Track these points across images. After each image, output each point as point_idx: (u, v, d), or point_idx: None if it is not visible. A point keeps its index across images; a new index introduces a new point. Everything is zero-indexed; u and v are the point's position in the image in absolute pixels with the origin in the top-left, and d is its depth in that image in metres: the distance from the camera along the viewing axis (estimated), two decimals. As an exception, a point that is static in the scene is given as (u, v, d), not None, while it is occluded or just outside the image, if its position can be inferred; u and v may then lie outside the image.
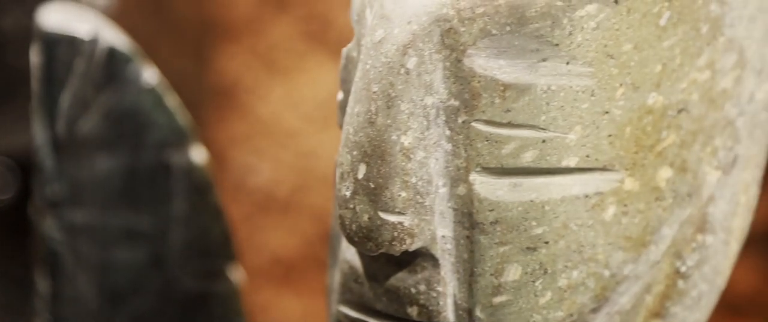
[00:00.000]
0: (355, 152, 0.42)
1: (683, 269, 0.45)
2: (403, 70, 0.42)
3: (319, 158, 1.13)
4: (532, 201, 0.42)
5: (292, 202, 1.14)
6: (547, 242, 0.43)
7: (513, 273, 0.43)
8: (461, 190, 0.43)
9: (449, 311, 0.43)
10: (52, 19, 0.62)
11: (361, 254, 0.45)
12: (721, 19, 0.44)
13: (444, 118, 0.42)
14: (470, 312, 0.43)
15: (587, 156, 0.43)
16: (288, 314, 1.15)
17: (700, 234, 0.46)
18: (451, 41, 0.42)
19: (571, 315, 0.43)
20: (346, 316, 0.45)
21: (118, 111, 0.63)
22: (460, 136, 0.42)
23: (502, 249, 0.43)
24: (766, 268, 1.00)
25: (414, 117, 0.42)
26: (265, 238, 1.15)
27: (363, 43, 0.43)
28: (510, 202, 0.42)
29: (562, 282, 0.43)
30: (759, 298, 1.00)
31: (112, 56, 0.62)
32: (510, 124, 0.42)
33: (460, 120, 0.42)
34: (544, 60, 0.42)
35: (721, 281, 0.47)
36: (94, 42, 0.62)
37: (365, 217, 0.42)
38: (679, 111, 0.44)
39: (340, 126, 0.45)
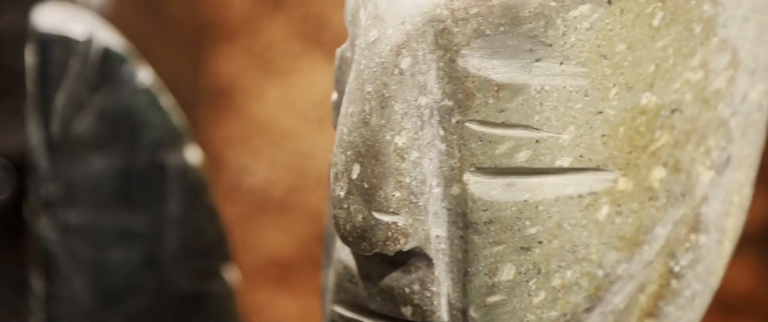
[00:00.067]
0: (349, 152, 0.42)
1: (677, 268, 0.45)
2: (396, 71, 0.42)
3: (315, 159, 1.13)
4: (525, 201, 0.42)
5: (288, 202, 1.15)
6: (540, 242, 0.43)
7: (507, 273, 0.43)
8: (455, 190, 0.43)
9: (443, 311, 0.43)
10: (47, 19, 0.62)
11: (356, 254, 0.45)
12: (714, 20, 0.44)
13: (438, 119, 0.43)
14: (464, 312, 0.43)
15: (581, 156, 0.43)
16: (283, 315, 1.15)
17: (694, 234, 0.46)
18: (444, 41, 0.42)
19: (565, 315, 0.43)
20: (341, 316, 0.45)
21: (113, 111, 0.63)
22: (454, 137, 0.42)
23: (496, 249, 0.43)
24: (760, 268, 1.00)
25: (408, 117, 0.42)
26: (260, 238, 1.15)
27: (357, 43, 0.43)
28: (504, 202, 0.42)
29: (556, 282, 0.43)
30: (754, 298, 1.01)
31: (107, 57, 0.62)
32: (504, 125, 0.42)
33: (453, 120, 0.42)
34: (537, 60, 0.42)
35: (714, 281, 0.47)
36: (88, 42, 0.62)
37: (359, 217, 0.42)
38: (673, 111, 0.44)
39: (335, 126, 0.45)
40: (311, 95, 1.13)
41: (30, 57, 0.63)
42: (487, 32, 0.42)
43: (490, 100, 0.42)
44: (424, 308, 0.43)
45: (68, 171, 0.63)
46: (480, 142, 0.42)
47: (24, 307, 0.67)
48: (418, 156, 0.42)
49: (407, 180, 0.42)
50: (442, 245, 0.43)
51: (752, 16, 0.46)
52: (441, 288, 0.43)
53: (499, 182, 0.42)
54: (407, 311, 0.43)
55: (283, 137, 1.14)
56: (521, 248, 0.43)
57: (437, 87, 0.42)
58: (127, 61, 0.63)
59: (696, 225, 0.46)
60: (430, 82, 0.42)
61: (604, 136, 0.43)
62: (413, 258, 0.43)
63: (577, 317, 0.44)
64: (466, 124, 0.42)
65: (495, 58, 0.42)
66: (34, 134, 0.63)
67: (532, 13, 0.41)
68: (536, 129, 0.42)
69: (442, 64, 0.42)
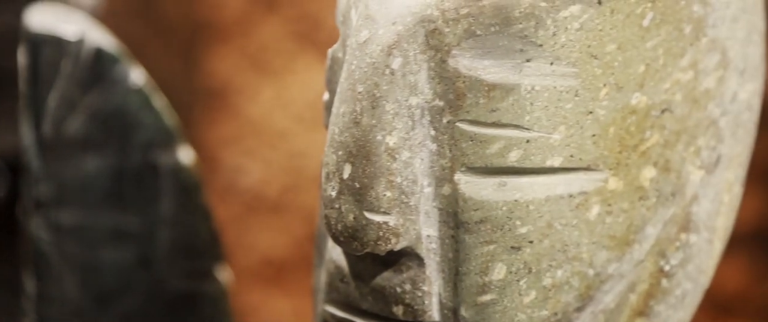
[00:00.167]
0: (340, 152, 0.42)
1: (667, 267, 0.45)
2: (387, 71, 0.42)
3: (309, 159, 1.13)
4: (516, 201, 0.42)
5: (282, 202, 1.15)
6: (531, 242, 0.43)
7: (498, 272, 0.43)
8: (446, 189, 0.43)
9: (434, 310, 0.43)
10: (38, 20, 0.62)
11: (347, 254, 0.45)
12: (704, 20, 0.44)
13: (429, 119, 0.43)
14: (455, 311, 0.43)
15: (571, 156, 0.43)
16: (278, 315, 1.15)
17: (684, 233, 0.46)
18: (435, 42, 0.42)
19: (556, 314, 0.44)
20: (332, 315, 0.46)
21: (105, 111, 0.63)
22: (445, 137, 0.43)
23: (487, 248, 0.43)
24: (753, 267, 1.00)
25: (399, 117, 0.42)
26: (255, 238, 1.15)
27: (348, 43, 0.44)
28: (495, 201, 0.42)
29: (547, 281, 0.43)
30: (746, 297, 1.01)
31: (99, 57, 0.62)
32: (495, 124, 0.42)
33: (444, 120, 0.42)
34: (528, 60, 0.42)
35: (704, 280, 0.48)
36: (80, 43, 0.62)
37: (350, 217, 0.42)
38: (663, 111, 0.44)
39: (326, 126, 0.45)
40: (306, 95, 1.13)
41: (22, 57, 0.63)
42: (478, 32, 0.42)
43: (482, 100, 0.42)
44: (416, 307, 0.43)
45: (60, 171, 0.63)
46: (471, 142, 0.42)
47: (17, 307, 0.67)
48: (409, 156, 0.43)
49: (398, 180, 0.42)
50: (433, 245, 0.43)
51: (741, 17, 0.46)
52: (432, 288, 0.43)
53: (491, 181, 0.42)
54: (398, 310, 0.43)
55: (278, 137, 1.14)
56: (512, 247, 0.43)
57: (428, 87, 0.42)
58: (119, 62, 0.63)
59: (686, 224, 0.46)
60: (421, 82, 0.42)
61: (594, 136, 0.43)
62: (404, 258, 0.43)
63: (567, 316, 0.44)
64: (457, 124, 0.42)
65: (486, 58, 0.42)
66: (26, 135, 0.63)
67: (523, 14, 0.42)
68: (527, 129, 0.42)
69: (432, 64, 0.42)
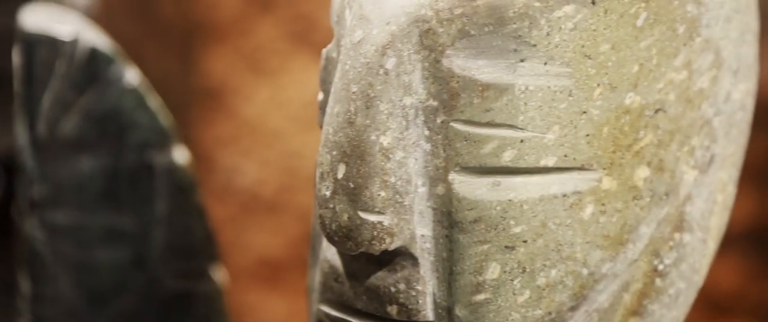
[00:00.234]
0: (334, 152, 0.42)
1: (661, 267, 0.46)
2: (382, 71, 0.42)
3: (305, 159, 1.13)
4: (510, 200, 0.43)
5: (278, 202, 1.15)
6: (525, 241, 0.43)
7: (492, 272, 0.43)
8: (440, 189, 0.43)
9: (429, 310, 0.43)
10: (33, 20, 0.62)
11: (341, 254, 0.45)
12: (698, 20, 0.44)
13: (423, 119, 0.43)
14: (450, 310, 0.43)
15: (565, 156, 0.43)
16: (274, 315, 1.15)
17: (678, 233, 0.46)
18: (429, 42, 0.42)
19: (550, 313, 0.44)
20: (327, 315, 0.46)
21: (100, 112, 0.63)
22: (439, 136, 0.43)
23: (481, 248, 0.43)
24: (748, 267, 1.00)
25: (393, 117, 0.42)
26: (250, 238, 1.15)
27: (342, 43, 0.44)
28: (489, 201, 0.42)
29: (541, 281, 0.43)
30: (740, 297, 1.01)
31: (94, 57, 0.62)
32: (489, 124, 0.42)
33: (438, 120, 0.43)
34: (522, 60, 0.42)
35: (698, 279, 0.48)
36: (74, 43, 0.62)
37: (345, 216, 0.42)
38: (656, 111, 0.44)
39: (321, 126, 0.45)
40: (301, 96, 1.13)
41: (16, 58, 0.63)
42: (472, 32, 0.42)
43: (476, 100, 0.42)
44: (410, 306, 0.43)
45: (55, 171, 0.63)
46: (465, 142, 0.42)
47: (12, 307, 0.67)
48: (404, 156, 0.43)
49: (392, 180, 0.42)
50: (428, 245, 0.43)
51: (735, 17, 0.46)
52: (426, 287, 0.43)
53: (485, 181, 0.43)
54: (393, 310, 0.43)
55: (274, 137, 1.14)
56: (506, 247, 0.43)
57: (422, 87, 0.43)
58: (113, 62, 0.63)
59: (680, 224, 0.46)
60: (415, 82, 0.42)
61: (588, 135, 0.43)
62: (399, 257, 0.43)
63: (561, 315, 0.44)
64: (451, 124, 0.42)
65: (480, 58, 0.42)
66: (21, 135, 0.63)
67: (517, 14, 0.42)
68: (521, 129, 0.42)
69: (426, 64, 0.42)
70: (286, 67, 1.14)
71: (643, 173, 0.44)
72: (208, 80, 1.16)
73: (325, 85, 0.46)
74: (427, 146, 0.43)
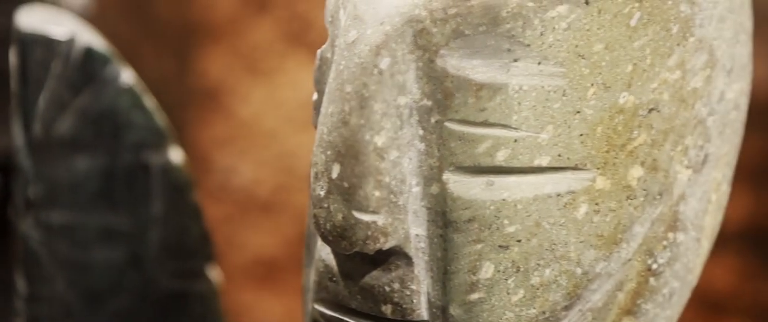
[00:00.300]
0: (328, 152, 0.43)
1: (655, 266, 0.46)
2: (376, 71, 0.42)
3: (301, 159, 1.13)
4: (504, 200, 0.43)
5: (274, 202, 1.15)
6: (519, 241, 0.43)
7: (486, 271, 0.43)
8: (434, 189, 0.43)
9: (423, 309, 0.43)
10: (29, 20, 0.62)
11: (336, 253, 0.45)
12: (691, 20, 0.44)
13: (417, 118, 0.43)
14: (444, 310, 0.43)
15: (559, 155, 0.43)
16: (269, 314, 1.15)
17: (672, 232, 0.46)
18: (423, 42, 0.42)
19: (544, 313, 0.44)
20: (322, 314, 0.46)
21: (96, 112, 0.63)
22: (433, 136, 0.43)
23: (475, 247, 0.43)
24: (742, 266, 1.01)
25: (387, 117, 0.42)
26: (246, 238, 1.15)
27: (337, 44, 0.44)
28: (483, 200, 0.43)
29: (535, 280, 0.43)
30: (736, 296, 1.01)
31: (89, 57, 0.62)
32: (484, 124, 0.42)
33: (433, 120, 0.43)
34: (516, 60, 0.42)
35: (692, 278, 0.48)
36: (70, 43, 0.62)
37: (339, 216, 0.42)
38: (650, 110, 0.44)
39: (315, 126, 0.45)
40: (297, 96, 1.13)
41: (13, 58, 0.63)
42: (467, 32, 0.42)
43: (470, 100, 0.42)
44: (404, 306, 0.43)
45: (51, 171, 0.63)
46: (460, 142, 0.42)
47: (9, 307, 0.67)
48: (398, 155, 0.43)
49: (387, 179, 0.42)
50: (422, 244, 0.43)
51: (728, 17, 0.46)
52: (421, 286, 0.43)
53: (479, 180, 0.43)
54: (387, 309, 0.44)
55: (269, 137, 1.14)
56: (500, 246, 0.43)
57: (416, 87, 0.43)
58: (109, 62, 0.63)
59: (674, 223, 0.46)
60: (409, 82, 0.43)
61: (582, 135, 0.43)
62: (393, 257, 0.43)
63: (555, 314, 0.44)
64: (446, 123, 0.42)
65: (474, 58, 0.42)
66: (18, 135, 0.63)
67: (511, 14, 0.42)
68: (515, 128, 0.42)
69: (421, 64, 0.42)
70: (283, 67, 1.14)
71: (636, 172, 0.44)
72: (204, 80, 1.16)
73: (320, 85, 0.46)
74: (422, 146, 0.43)
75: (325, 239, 0.43)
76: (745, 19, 0.48)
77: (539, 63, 0.42)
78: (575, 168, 0.43)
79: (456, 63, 0.42)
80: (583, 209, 0.43)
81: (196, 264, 0.65)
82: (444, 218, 0.43)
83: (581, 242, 0.44)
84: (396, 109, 0.42)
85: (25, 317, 0.64)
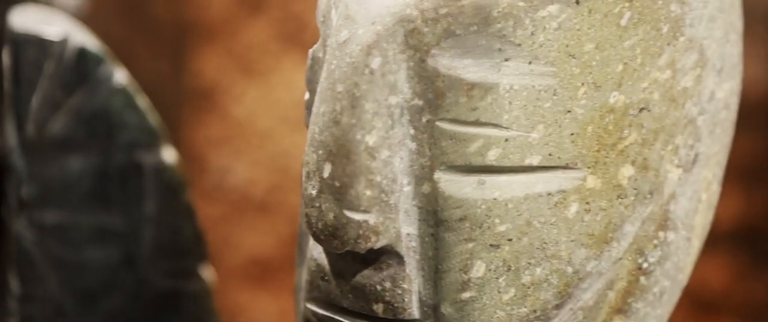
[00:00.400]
0: (320, 151, 0.43)
1: (645, 265, 0.46)
2: (367, 70, 0.42)
3: (295, 159, 1.13)
4: (495, 199, 0.43)
5: (269, 202, 1.15)
6: (510, 240, 0.43)
7: (477, 270, 0.43)
8: (426, 188, 0.43)
9: (414, 308, 0.44)
10: (22, 20, 0.62)
11: (328, 252, 0.45)
12: (682, 19, 0.45)
13: (408, 118, 0.43)
14: (435, 308, 0.43)
15: (550, 154, 0.43)
16: (264, 314, 1.15)
17: (662, 231, 0.46)
18: (414, 41, 0.42)
19: (535, 311, 0.44)
20: (314, 313, 0.46)
21: (89, 112, 0.63)
22: (425, 136, 0.43)
23: (467, 246, 0.43)
24: (734, 266, 1.01)
25: (378, 116, 0.42)
26: (241, 238, 1.15)
27: (328, 43, 0.44)
28: (474, 199, 0.43)
29: (526, 279, 0.43)
30: (728, 296, 1.01)
31: (82, 57, 0.62)
32: (475, 123, 0.42)
33: (424, 119, 0.43)
34: (507, 60, 0.42)
35: (682, 278, 0.48)
36: (63, 43, 0.62)
37: (331, 215, 0.42)
38: (641, 110, 0.44)
39: (307, 126, 0.45)
40: (291, 96, 1.13)
41: (5, 58, 0.63)
42: (458, 32, 0.42)
43: (462, 99, 0.42)
44: (396, 305, 0.43)
45: (44, 171, 0.63)
46: (451, 141, 0.42)
47: (2, 307, 0.67)
48: (389, 155, 0.43)
49: (378, 179, 0.42)
50: (413, 243, 0.43)
51: (719, 16, 0.46)
52: (412, 285, 0.43)
53: (470, 179, 0.43)
54: (379, 308, 0.44)
55: (264, 137, 1.14)
56: (491, 245, 0.43)
57: (407, 86, 0.43)
58: (102, 62, 0.63)
59: (664, 222, 0.46)
60: (400, 81, 0.43)
61: (572, 134, 0.43)
62: (384, 256, 0.43)
63: (546, 313, 0.44)
64: (437, 123, 0.43)
65: (465, 58, 0.42)
66: (10, 135, 0.63)
67: (502, 13, 0.42)
68: (506, 128, 0.42)
69: (412, 63, 0.42)
70: (277, 67, 1.14)
71: (627, 171, 0.44)
72: (198, 81, 1.16)
73: (312, 84, 0.46)
74: (413, 145, 0.43)
75: (316, 238, 0.43)
76: (735, 19, 0.48)
77: (530, 62, 0.42)
78: (566, 167, 0.43)
79: (447, 62, 0.42)
80: (573, 208, 0.43)
81: (189, 264, 0.65)
82: (435, 217, 0.43)
83: (572, 241, 0.44)
84: (387, 109, 0.43)
85: (19, 317, 0.63)
